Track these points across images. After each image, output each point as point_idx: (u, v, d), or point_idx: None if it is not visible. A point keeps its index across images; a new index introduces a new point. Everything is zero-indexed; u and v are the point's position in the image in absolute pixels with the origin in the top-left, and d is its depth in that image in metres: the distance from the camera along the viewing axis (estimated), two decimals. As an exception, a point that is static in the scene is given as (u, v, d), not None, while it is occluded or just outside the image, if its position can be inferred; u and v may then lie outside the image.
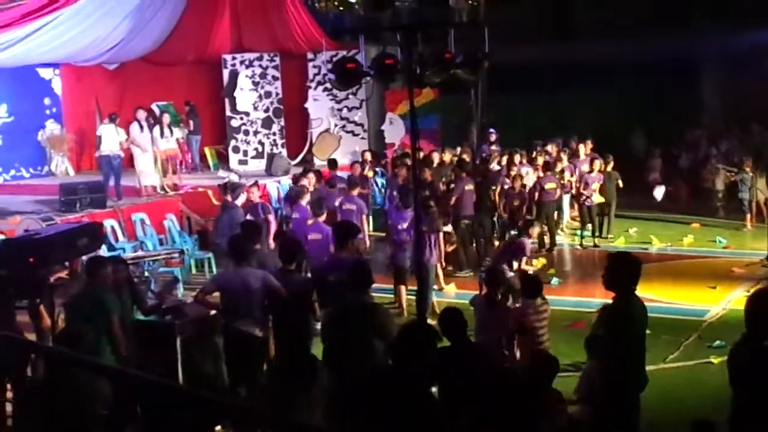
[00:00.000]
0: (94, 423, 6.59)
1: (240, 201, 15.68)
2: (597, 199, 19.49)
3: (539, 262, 16.61)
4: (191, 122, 23.90)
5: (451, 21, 9.84)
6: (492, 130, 23.39)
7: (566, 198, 20.89)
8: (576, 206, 20.72)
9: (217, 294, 10.30)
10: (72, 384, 6.39)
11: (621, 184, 20.10)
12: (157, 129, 20.19)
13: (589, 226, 19.70)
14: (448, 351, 7.57)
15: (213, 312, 10.11)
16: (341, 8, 9.11)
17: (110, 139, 19.37)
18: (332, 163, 20.69)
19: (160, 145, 20.07)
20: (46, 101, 23.49)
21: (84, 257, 11.18)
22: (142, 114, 19.83)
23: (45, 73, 23.25)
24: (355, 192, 16.91)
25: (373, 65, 9.19)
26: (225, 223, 14.93)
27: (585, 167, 20.19)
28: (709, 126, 27.54)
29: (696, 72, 28.39)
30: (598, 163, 19.81)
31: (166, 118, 20.88)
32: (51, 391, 6.60)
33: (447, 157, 20.96)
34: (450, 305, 9.51)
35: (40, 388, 6.89)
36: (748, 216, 20.95)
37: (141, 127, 19.61)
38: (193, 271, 17.35)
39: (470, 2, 9.44)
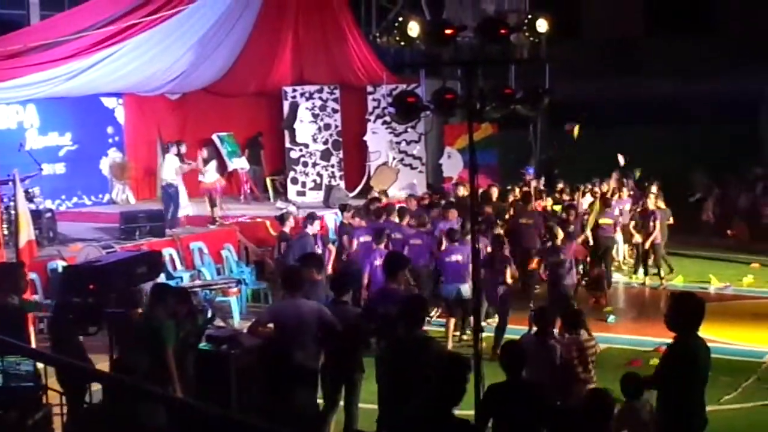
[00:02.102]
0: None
1: (313, 230, 15.81)
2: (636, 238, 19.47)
3: (608, 310, 16.62)
4: (247, 151, 24.22)
5: (511, 57, 9.84)
6: (528, 169, 23.19)
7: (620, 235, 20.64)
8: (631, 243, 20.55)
9: (271, 325, 10.32)
10: (127, 413, 6.44)
11: (671, 221, 19.92)
12: (194, 163, 20.47)
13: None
14: (504, 386, 7.53)
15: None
16: (402, 43, 9.09)
17: (169, 167, 19.67)
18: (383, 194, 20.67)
19: (202, 179, 20.35)
20: (109, 130, 23.79)
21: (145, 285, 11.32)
22: (183, 148, 20.20)
23: (108, 102, 23.57)
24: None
25: (432, 99, 9.17)
26: (297, 250, 15.02)
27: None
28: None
29: (758, 113, 28.14)
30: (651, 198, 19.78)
31: (204, 154, 21.05)
32: (106, 418, 6.66)
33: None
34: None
35: (96, 415, 6.94)
36: None
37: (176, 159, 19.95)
38: (250, 301, 17.39)
39: (531, 38, 9.38)
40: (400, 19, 9.39)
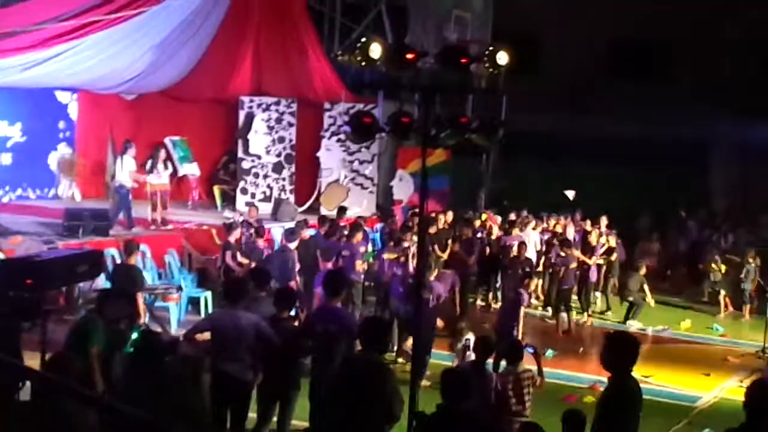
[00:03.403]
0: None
1: (294, 245, 15.80)
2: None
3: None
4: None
5: (470, 86, 9.92)
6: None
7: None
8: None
9: (207, 334, 10.24)
10: (58, 412, 6.36)
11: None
12: (149, 164, 20.29)
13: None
14: (441, 414, 7.50)
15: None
16: (363, 63, 9.12)
17: (126, 169, 19.43)
18: (341, 211, 20.58)
19: (151, 179, 20.11)
20: (61, 125, 23.57)
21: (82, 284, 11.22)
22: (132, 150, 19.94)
23: (63, 96, 23.36)
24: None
25: (389, 122, 9.21)
26: (276, 265, 15.10)
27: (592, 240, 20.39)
28: (714, 213, 27.62)
29: (708, 158, 28.54)
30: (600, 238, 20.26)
31: (162, 154, 20.89)
32: (36, 417, 6.57)
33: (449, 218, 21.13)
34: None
35: (26, 414, 6.84)
36: (748, 307, 20.96)
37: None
38: (189, 308, 17.26)
39: (491, 70, 9.45)
40: (363, 39, 9.43)
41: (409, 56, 9.15)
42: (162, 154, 20.83)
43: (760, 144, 25.67)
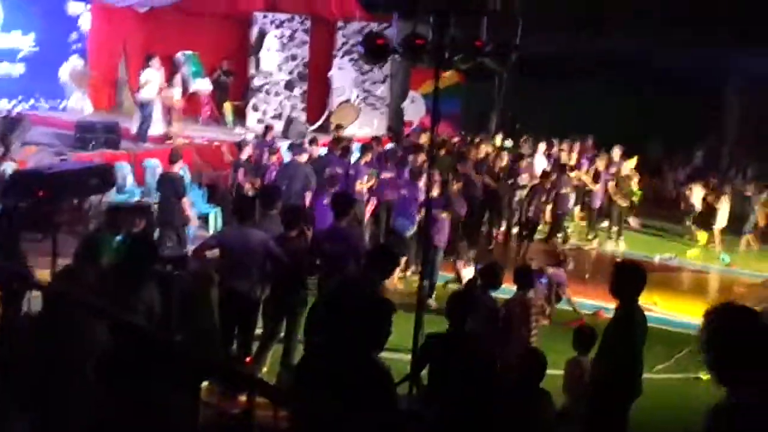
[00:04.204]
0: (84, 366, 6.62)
1: (303, 158, 15.84)
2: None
3: None
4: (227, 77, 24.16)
5: (485, 8, 9.82)
6: None
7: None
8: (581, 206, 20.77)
9: (216, 251, 10.31)
10: (66, 323, 6.43)
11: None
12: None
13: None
14: (443, 337, 7.56)
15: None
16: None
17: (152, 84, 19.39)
18: (338, 129, 20.55)
19: (166, 94, 20.07)
20: (73, 36, 23.42)
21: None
22: (156, 62, 19.84)
23: (75, 7, 23.18)
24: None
25: (402, 44, 9.15)
26: (285, 179, 15.23)
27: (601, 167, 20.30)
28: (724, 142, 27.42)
29: (724, 88, 28.22)
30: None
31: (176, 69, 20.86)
32: (43, 327, 6.64)
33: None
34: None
35: (33, 324, 6.91)
36: (748, 238, 20.90)
37: (160, 75, 19.69)
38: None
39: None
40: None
41: (426, -24, 9.07)
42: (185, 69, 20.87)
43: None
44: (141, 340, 4.64)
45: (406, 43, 9.09)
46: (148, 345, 4.67)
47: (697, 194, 21.30)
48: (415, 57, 9.30)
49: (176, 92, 20.68)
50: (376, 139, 19.73)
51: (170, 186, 13.78)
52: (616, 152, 21.05)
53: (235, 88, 25.05)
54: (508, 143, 22.54)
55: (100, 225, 10.09)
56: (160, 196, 13.98)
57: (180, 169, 14.68)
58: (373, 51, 9.42)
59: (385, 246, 10.47)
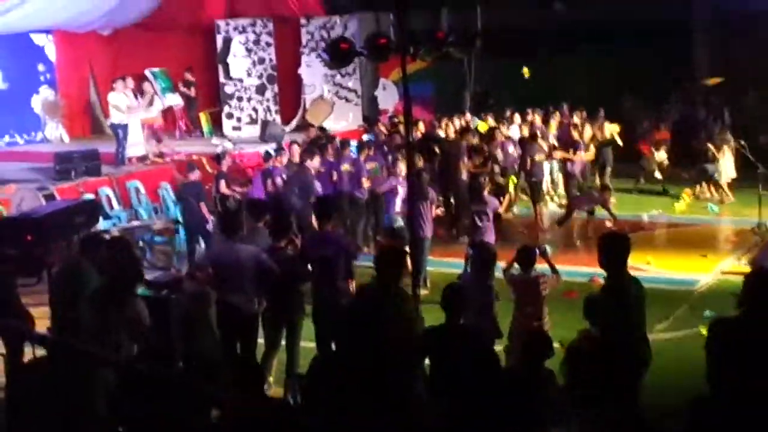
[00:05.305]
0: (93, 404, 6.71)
1: (312, 164, 15.89)
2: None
3: None
4: (192, 88, 24.17)
5: (443, -1, 9.92)
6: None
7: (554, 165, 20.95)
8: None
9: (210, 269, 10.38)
10: (71, 366, 6.50)
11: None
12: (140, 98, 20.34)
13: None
14: (441, 329, 7.64)
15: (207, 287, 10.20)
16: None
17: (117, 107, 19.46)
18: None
19: (143, 114, 20.14)
20: (40, 67, 23.47)
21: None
22: (130, 83, 19.90)
23: (38, 39, 23.20)
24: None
25: (365, 45, 9.24)
26: (296, 184, 15.47)
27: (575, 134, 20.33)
28: (699, 90, 27.33)
29: (689, 36, 28.19)
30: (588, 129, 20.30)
31: (148, 87, 20.94)
32: (49, 371, 6.70)
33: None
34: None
35: (39, 369, 6.97)
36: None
37: (127, 96, 19.70)
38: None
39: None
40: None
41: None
42: (148, 87, 20.88)
43: (740, 18, 25.37)
44: (146, 380, 4.73)
45: (369, 44, 9.17)
46: (153, 383, 4.75)
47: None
48: (380, 57, 9.38)
49: (155, 110, 20.80)
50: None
51: (192, 191, 15.17)
52: (601, 114, 21.36)
53: (204, 97, 25.08)
54: (478, 121, 22.46)
55: (76, 254, 9.99)
56: (182, 204, 15.44)
57: (195, 177, 15.52)
58: (338, 56, 9.52)
59: (392, 249, 10.30)
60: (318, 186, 15.56)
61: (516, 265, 10.08)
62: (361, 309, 7.91)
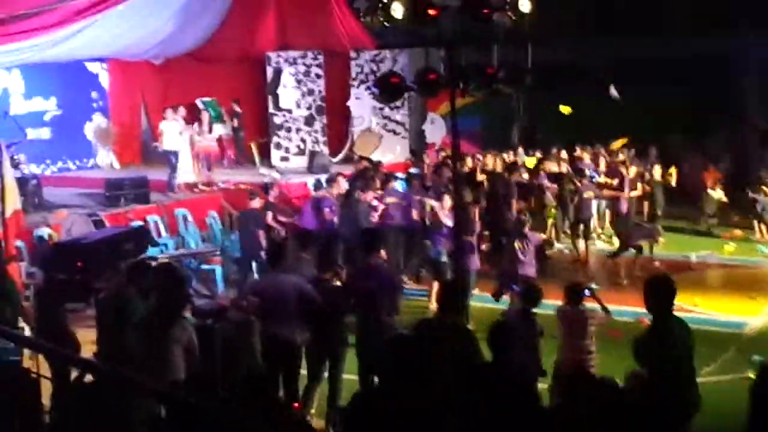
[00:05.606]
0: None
1: (365, 196, 16.10)
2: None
3: None
4: (236, 120, 24.42)
5: (493, 36, 9.96)
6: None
7: (602, 203, 20.80)
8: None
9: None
10: (116, 394, 6.55)
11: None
12: (196, 126, 20.67)
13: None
14: (487, 367, 7.62)
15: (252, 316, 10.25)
16: (386, 23, 9.21)
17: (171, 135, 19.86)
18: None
19: (197, 142, 20.43)
20: (94, 95, 23.86)
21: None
22: (181, 111, 20.30)
23: (92, 67, 23.58)
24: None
25: (416, 80, 9.29)
26: (348, 219, 15.66)
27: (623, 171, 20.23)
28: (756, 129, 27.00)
29: (737, 74, 27.92)
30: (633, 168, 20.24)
31: (205, 116, 21.25)
32: (93, 395, 6.76)
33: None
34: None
35: (84, 394, 7.04)
36: None
37: (179, 123, 20.07)
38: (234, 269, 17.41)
39: (513, 18, 9.50)
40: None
41: (432, 12, 9.20)
42: (205, 115, 21.23)
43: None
44: (189, 410, 4.76)
45: (419, 79, 9.22)
46: (198, 412, 4.77)
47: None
48: (429, 92, 9.44)
49: (209, 137, 21.17)
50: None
51: (252, 219, 15.63)
52: (653, 153, 21.22)
53: (253, 127, 25.27)
54: (525, 156, 22.45)
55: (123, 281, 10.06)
56: (241, 231, 15.89)
57: (257, 205, 15.97)
58: (388, 90, 9.58)
59: (450, 284, 10.36)
60: (369, 218, 15.63)
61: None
62: (415, 343, 7.92)
